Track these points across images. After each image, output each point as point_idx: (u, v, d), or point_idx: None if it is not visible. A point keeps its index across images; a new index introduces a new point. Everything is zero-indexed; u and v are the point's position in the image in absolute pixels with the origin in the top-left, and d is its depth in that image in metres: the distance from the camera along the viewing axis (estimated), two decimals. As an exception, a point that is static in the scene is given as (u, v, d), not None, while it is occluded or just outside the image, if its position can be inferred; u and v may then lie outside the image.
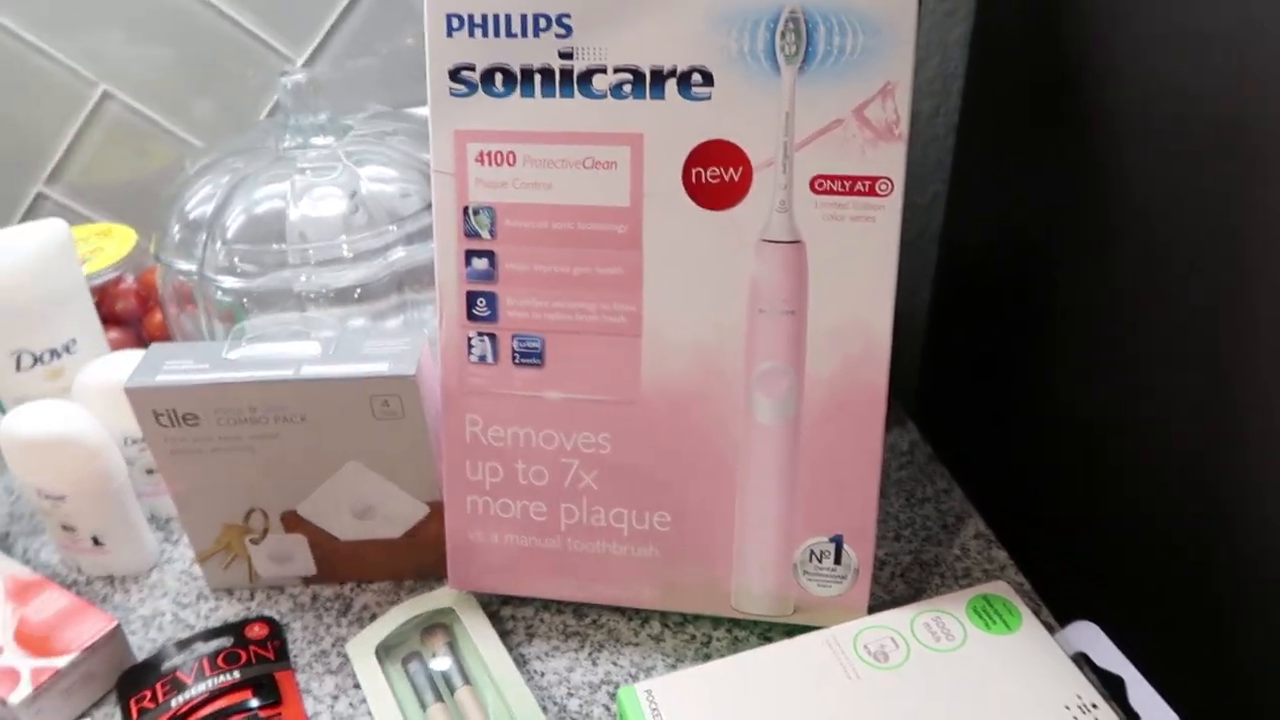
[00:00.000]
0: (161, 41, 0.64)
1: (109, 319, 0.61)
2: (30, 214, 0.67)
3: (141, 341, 0.62)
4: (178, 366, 0.46)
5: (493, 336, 0.45)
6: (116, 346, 0.60)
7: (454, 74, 0.42)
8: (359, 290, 0.53)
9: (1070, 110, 0.55)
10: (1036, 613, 0.49)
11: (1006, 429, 0.67)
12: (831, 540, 0.45)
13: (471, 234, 0.44)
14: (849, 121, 0.40)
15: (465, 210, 0.43)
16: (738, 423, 0.44)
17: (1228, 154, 0.43)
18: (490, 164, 0.43)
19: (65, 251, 0.53)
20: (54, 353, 0.53)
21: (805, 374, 0.43)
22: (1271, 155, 0.41)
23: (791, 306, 0.42)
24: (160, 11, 0.63)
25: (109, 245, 0.62)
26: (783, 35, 0.39)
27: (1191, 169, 0.46)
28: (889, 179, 0.40)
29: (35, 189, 0.67)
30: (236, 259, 0.52)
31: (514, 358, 0.45)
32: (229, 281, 0.52)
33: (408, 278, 0.54)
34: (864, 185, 0.40)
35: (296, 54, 0.66)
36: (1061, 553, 0.60)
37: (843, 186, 0.41)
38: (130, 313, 0.61)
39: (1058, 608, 0.50)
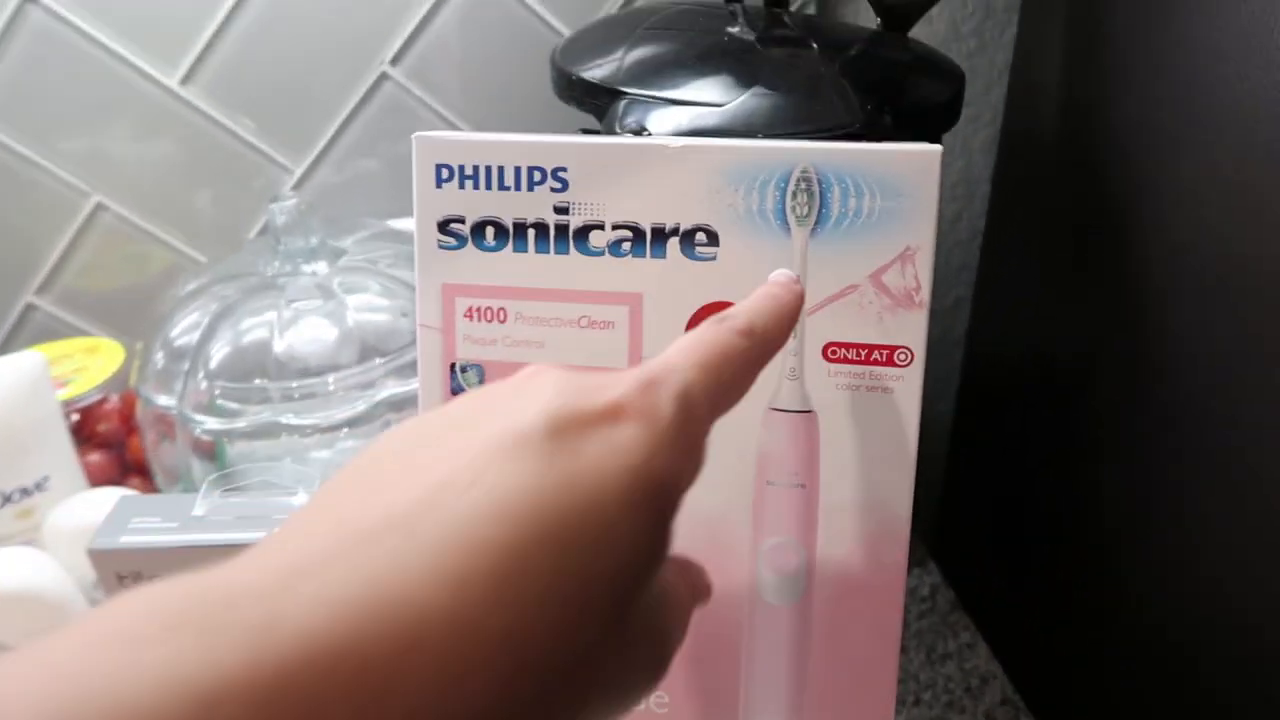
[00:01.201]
0: (157, 152, 0.62)
1: (90, 440, 0.59)
2: (20, 325, 0.65)
3: (124, 465, 0.59)
4: (144, 525, 0.43)
5: (480, 499, 0.41)
6: (97, 471, 0.58)
7: (443, 226, 0.39)
8: (346, 426, 0.50)
9: (1102, 222, 0.52)
10: (1071, 802, 0.45)
11: (1034, 567, 0.63)
12: (845, 730, 0.41)
13: (459, 392, 0.40)
14: (865, 287, 0.37)
15: (453, 367, 0.41)
16: (743, 601, 0.40)
17: (1266, 309, 0.40)
18: (480, 320, 0.40)
19: (39, 385, 0.50)
20: (24, 491, 0.50)
21: (817, 552, 0.39)
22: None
23: (802, 479, 0.39)
24: (155, 123, 0.61)
25: (94, 363, 0.60)
26: (794, 195, 0.36)
27: (1229, 315, 0.42)
28: (908, 349, 0.37)
29: (25, 299, 0.65)
30: (217, 394, 0.49)
31: (502, 522, 0.41)
32: (210, 421, 0.49)
33: (393, 405, 0.52)
34: (881, 354, 0.37)
35: (296, 163, 0.64)
36: (1097, 713, 0.55)
37: (858, 355, 0.37)
38: (113, 435, 0.59)
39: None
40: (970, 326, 0.77)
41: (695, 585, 0.25)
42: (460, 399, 0.22)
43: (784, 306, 0.28)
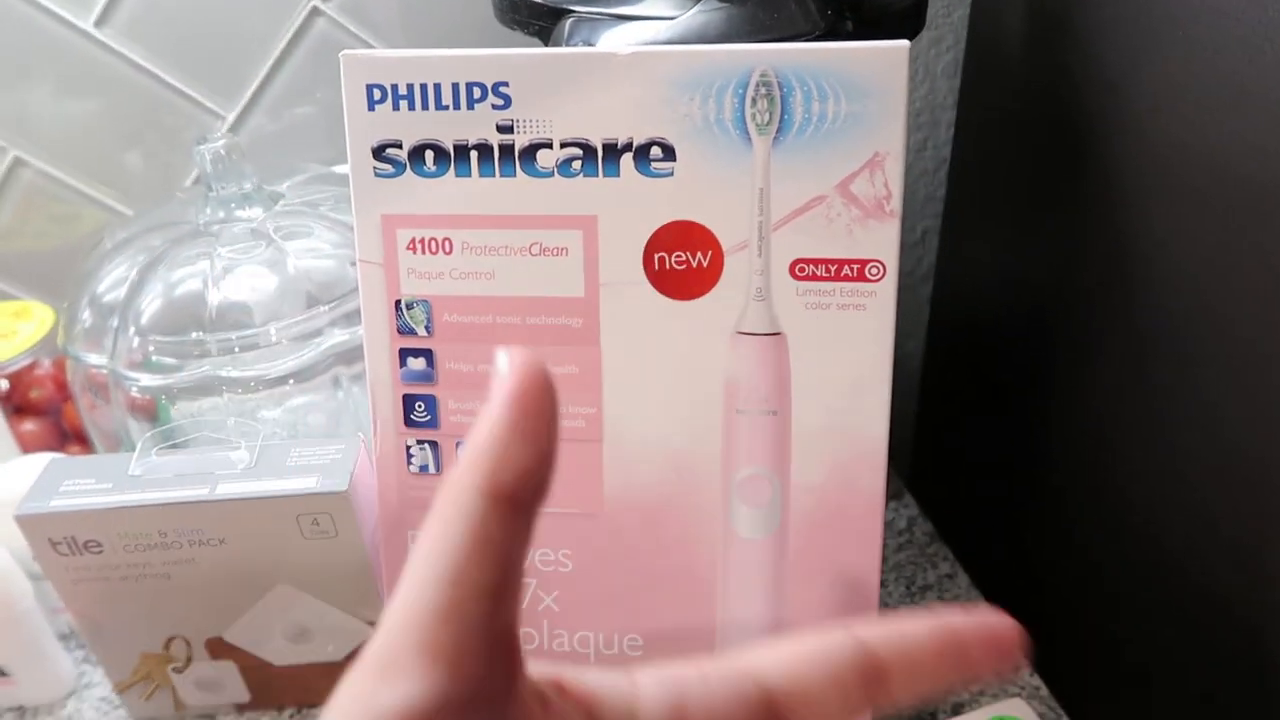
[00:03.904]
0: (78, 102, 0.58)
1: (23, 409, 0.55)
2: (-60, 291, 0.62)
3: (61, 432, 0.56)
4: (76, 487, 0.40)
5: (434, 444, 0.39)
6: (32, 440, 0.55)
7: (378, 152, 0.36)
8: (292, 378, 0.48)
9: (1073, 136, 0.50)
10: (1057, 726, 0.44)
11: (1012, 495, 0.62)
12: (827, 664, 0.40)
13: (405, 330, 0.38)
14: (833, 198, 0.35)
15: (397, 304, 0.38)
16: (716, 536, 0.39)
17: (1252, 210, 0.38)
18: (424, 252, 0.37)
19: (-42, 349, 0.47)
20: (-51, 461, 0.47)
21: (791, 481, 0.38)
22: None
23: (773, 406, 0.37)
24: (72, 70, 0.57)
25: (23, 327, 0.56)
26: (754, 102, 0.34)
27: (1214, 220, 0.41)
28: (880, 262, 0.35)
29: (-55, 263, 0.61)
30: (151, 350, 0.46)
31: (460, 467, 0.39)
32: (145, 378, 0.46)
33: (342, 357, 0.49)
34: (852, 269, 0.35)
35: (228, 109, 0.60)
36: (1078, 643, 0.55)
37: (828, 271, 0.35)
38: (47, 401, 0.56)
39: (1077, 709, 0.44)
40: (939, 259, 0.75)
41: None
42: None
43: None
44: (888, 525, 0.55)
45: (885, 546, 0.54)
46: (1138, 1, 0.44)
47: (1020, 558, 0.60)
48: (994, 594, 0.51)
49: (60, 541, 0.40)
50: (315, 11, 0.58)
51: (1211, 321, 0.42)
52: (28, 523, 0.39)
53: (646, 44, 0.43)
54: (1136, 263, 0.46)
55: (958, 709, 0.45)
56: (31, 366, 0.55)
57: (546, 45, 0.47)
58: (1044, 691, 0.45)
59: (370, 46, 0.60)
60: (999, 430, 0.63)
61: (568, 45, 0.45)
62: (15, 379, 0.55)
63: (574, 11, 0.45)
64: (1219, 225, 0.41)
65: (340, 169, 0.58)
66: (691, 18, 0.42)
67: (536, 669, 0.20)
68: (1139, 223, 0.46)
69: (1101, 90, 0.47)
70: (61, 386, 0.56)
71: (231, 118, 0.61)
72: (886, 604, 0.51)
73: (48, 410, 0.56)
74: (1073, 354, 0.53)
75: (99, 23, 0.56)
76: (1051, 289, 0.55)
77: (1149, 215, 0.45)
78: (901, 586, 0.52)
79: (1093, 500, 0.53)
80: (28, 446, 0.54)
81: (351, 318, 0.48)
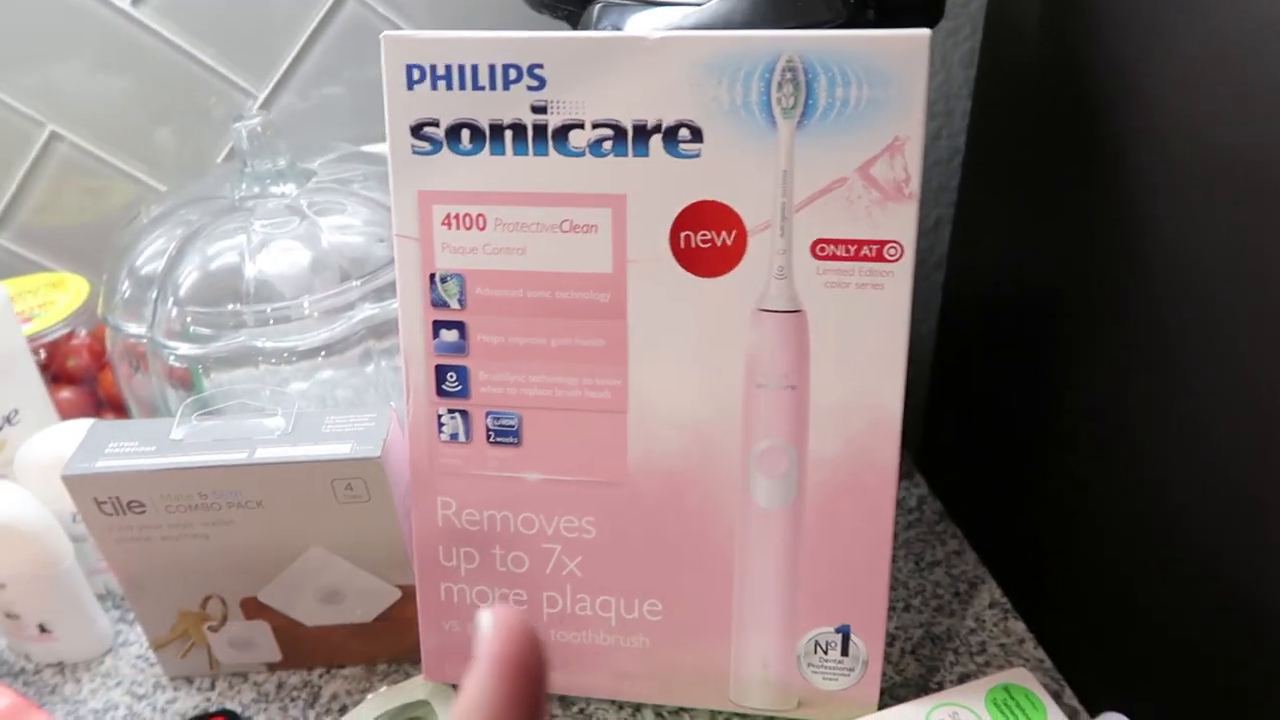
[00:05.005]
0: (113, 79, 0.60)
1: (60, 377, 0.57)
2: (-22, 262, 0.63)
3: (96, 401, 0.58)
4: (120, 449, 0.42)
5: (465, 413, 0.41)
6: (68, 407, 0.56)
7: (416, 130, 0.38)
8: (324, 350, 0.49)
9: (1086, 127, 0.51)
10: (1059, 696, 0.45)
11: (1019, 476, 0.63)
12: (838, 631, 0.41)
13: (439, 303, 0.40)
14: (853, 180, 0.36)
15: (432, 277, 0.39)
16: (734, 505, 0.40)
17: (1266, 195, 0.40)
18: (458, 227, 0.39)
19: (3, 317, 0.49)
20: (-6, 425, 0.49)
21: (808, 454, 0.39)
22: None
23: (792, 381, 0.38)
24: (110, 49, 0.59)
25: (60, 298, 0.58)
26: (779, 86, 0.35)
27: (1227, 208, 0.42)
28: (898, 243, 0.36)
29: (-17, 235, 0.63)
30: (189, 320, 0.48)
31: (489, 436, 0.41)
32: (183, 348, 0.48)
33: (374, 331, 0.50)
34: (871, 250, 0.37)
35: (259, 88, 0.62)
36: (1081, 618, 0.56)
37: (847, 251, 0.37)
38: (83, 370, 0.57)
39: (1080, 680, 0.46)
40: (951, 246, 0.76)
41: None
42: None
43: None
44: (898, 504, 0.57)
45: (896, 523, 0.56)
46: (1153, -6, 0.45)
47: (1027, 536, 0.62)
48: (1000, 571, 0.52)
49: (105, 501, 0.42)
50: (346, -8, 0.60)
51: (1222, 310, 0.43)
52: (74, 482, 0.41)
53: (674, 29, 0.44)
54: (1149, 250, 0.48)
55: (964, 678, 0.46)
56: (69, 336, 0.57)
57: (575, 30, 0.48)
58: (1047, 664, 0.47)
59: (399, 28, 0.62)
60: (1007, 413, 0.64)
61: (596, 30, 0.46)
62: (52, 348, 0.57)
63: (602, -3, 0.46)
64: (1232, 213, 0.42)
65: (370, 148, 0.59)
66: (717, 5, 0.44)
67: None
68: (1153, 210, 0.47)
69: (1116, 79, 0.48)
70: (97, 356, 0.58)
71: (262, 96, 0.62)
72: (896, 578, 0.52)
73: (84, 379, 0.58)
74: (1081, 340, 0.55)
75: (136, 1, 0.58)
76: (1063, 276, 0.56)
77: (1163, 202, 0.46)
78: (911, 562, 0.53)
79: (1099, 481, 0.54)
80: (65, 414, 0.56)
81: (382, 292, 0.50)
